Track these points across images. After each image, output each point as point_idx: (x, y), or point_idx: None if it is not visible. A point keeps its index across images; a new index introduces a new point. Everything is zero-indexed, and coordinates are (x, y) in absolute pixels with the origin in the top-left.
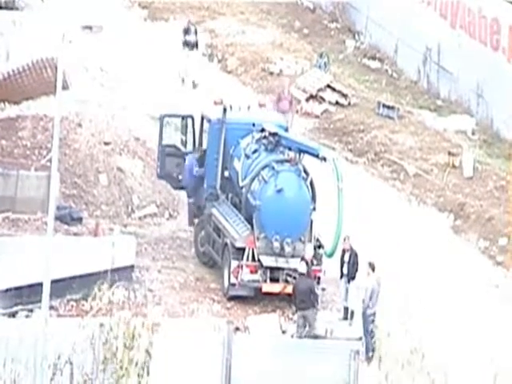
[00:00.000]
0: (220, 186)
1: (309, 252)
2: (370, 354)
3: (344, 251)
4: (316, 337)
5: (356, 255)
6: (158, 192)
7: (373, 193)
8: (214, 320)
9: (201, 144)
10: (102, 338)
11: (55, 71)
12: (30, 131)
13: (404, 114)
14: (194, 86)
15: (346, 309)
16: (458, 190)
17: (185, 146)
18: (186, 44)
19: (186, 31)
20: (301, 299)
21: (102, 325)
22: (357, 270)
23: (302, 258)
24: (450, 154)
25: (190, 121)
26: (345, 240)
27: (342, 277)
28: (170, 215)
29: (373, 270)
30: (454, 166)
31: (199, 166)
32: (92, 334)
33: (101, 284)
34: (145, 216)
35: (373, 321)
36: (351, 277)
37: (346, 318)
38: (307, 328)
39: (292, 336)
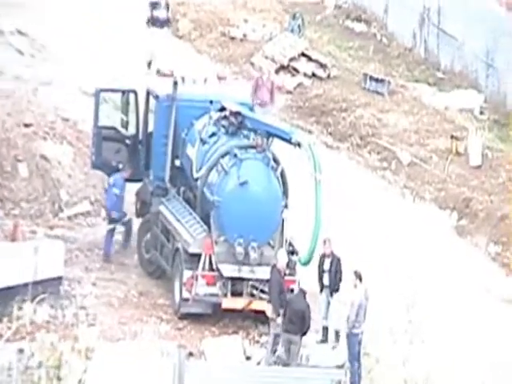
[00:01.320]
0: (170, 178)
1: (281, 259)
2: None
3: (324, 257)
4: (288, 364)
5: (339, 261)
6: (93, 186)
7: (358, 186)
8: (163, 344)
9: (146, 126)
10: (20, 366)
11: None
12: None
13: (396, 88)
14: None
15: (326, 329)
16: (463, 182)
17: (126, 127)
18: (154, 21)
19: (154, 5)
20: (290, 320)
21: (21, 350)
22: (340, 280)
23: (273, 266)
24: (452, 137)
25: (132, 97)
26: (325, 243)
27: (322, 290)
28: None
29: (359, 279)
30: (457, 153)
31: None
32: (8, 362)
33: (20, 300)
34: (76, 215)
35: (359, 342)
36: (334, 289)
37: (324, 341)
38: (288, 356)
39: (258, 363)
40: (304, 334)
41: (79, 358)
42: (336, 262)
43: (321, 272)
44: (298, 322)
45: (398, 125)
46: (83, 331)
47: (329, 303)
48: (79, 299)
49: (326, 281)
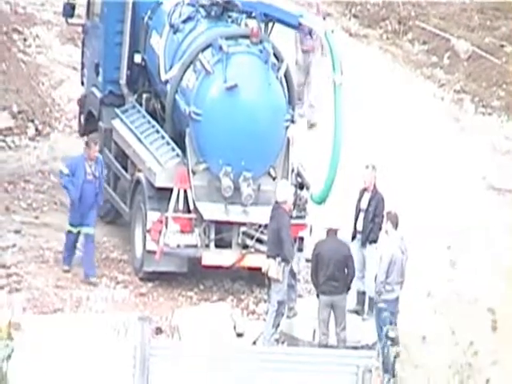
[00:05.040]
0: (127, 81)
1: (285, 195)
2: (391, 372)
3: (363, 192)
4: (296, 342)
5: (381, 201)
6: (16, 90)
7: (395, 89)
8: (118, 316)
9: (89, 8)
10: None
11: None
12: None
13: None
14: None
15: (362, 294)
16: None
17: (70, 14)
18: None
19: None
20: (331, 273)
21: None
22: (380, 227)
23: (275, 204)
24: None
25: None
26: (367, 168)
27: (354, 236)
28: (39, 131)
29: (394, 225)
30: None
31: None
32: None
33: None
34: None
35: (393, 313)
36: (368, 237)
37: (360, 311)
38: (335, 327)
39: (254, 342)
40: (348, 289)
41: None
42: (377, 202)
43: (357, 212)
44: (342, 275)
45: (452, 0)
46: (3, 299)
47: (363, 256)
48: None
49: (359, 225)
